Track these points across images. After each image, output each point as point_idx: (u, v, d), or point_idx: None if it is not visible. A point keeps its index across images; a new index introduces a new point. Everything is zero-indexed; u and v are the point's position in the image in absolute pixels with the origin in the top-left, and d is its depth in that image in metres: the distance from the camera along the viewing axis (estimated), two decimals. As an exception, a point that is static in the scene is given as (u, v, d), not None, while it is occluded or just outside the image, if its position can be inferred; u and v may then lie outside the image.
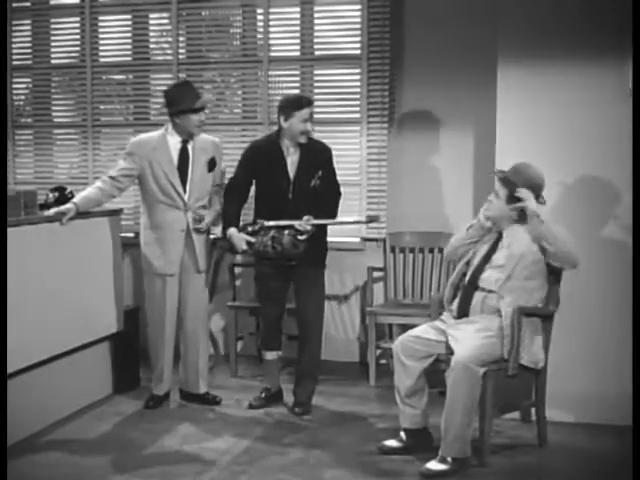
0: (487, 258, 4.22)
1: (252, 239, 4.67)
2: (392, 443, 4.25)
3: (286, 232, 4.62)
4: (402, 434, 4.23)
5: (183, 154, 4.81)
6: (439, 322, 4.24)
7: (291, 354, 5.31)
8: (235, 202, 4.83)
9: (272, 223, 4.66)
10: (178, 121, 4.74)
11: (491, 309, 4.11)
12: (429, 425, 4.22)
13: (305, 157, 4.74)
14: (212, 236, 5.11)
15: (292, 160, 4.73)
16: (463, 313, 4.19)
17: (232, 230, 4.73)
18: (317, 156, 4.79)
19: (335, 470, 4.02)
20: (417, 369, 4.12)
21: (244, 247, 4.69)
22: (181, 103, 4.71)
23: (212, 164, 4.88)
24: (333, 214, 4.80)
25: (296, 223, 4.62)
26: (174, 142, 4.80)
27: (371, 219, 5.05)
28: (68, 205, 4.66)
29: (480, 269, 4.21)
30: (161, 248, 4.84)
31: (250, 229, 4.70)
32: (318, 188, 4.76)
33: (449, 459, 3.92)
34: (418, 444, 4.18)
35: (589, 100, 4.59)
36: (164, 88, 5.05)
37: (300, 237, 4.62)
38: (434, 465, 3.94)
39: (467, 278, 4.27)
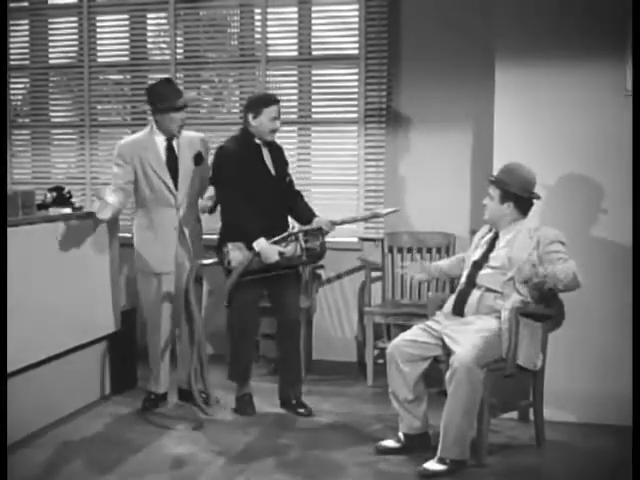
0: (485, 257, 4.22)
1: (283, 249, 4.57)
2: (389, 443, 4.24)
3: (318, 236, 4.63)
4: (400, 435, 4.23)
5: (170, 151, 4.81)
6: (432, 322, 4.22)
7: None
8: (248, 213, 4.60)
9: (305, 228, 4.64)
10: (160, 119, 4.74)
11: (487, 308, 4.10)
12: (429, 428, 4.21)
13: (275, 155, 4.76)
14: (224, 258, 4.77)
15: (267, 157, 4.73)
16: (459, 311, 4.19)
17: (262, 241, 4.52)
18: (282, 154, 4.85)
19: (333, 470, 4.01)
20: (414, 374, 4.11)
21: (277, 258, 4.54)
22: (162, 101, 4.69)
23: (199, 158, 4.87)
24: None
25: (322, 225, 4.65)
26: (160, 140, 4.80)
27: (395, 211, 5.03)
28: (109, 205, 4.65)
29: (479, 266, 4.21)
30: (156, 247, 4.84)
31: (277, 238, 4.57)
32: (290, 185, 4.82)
33: (448, 460, 3.92)
34: (416, 446, 4.18)
35: (587, 100, 4.59)
36: (146, 86, 5.03)
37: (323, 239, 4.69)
38: (432, 465, 3.93)
39: (465, 275, 4.27)
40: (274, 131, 4.68)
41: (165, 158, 4.80)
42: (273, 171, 4.72)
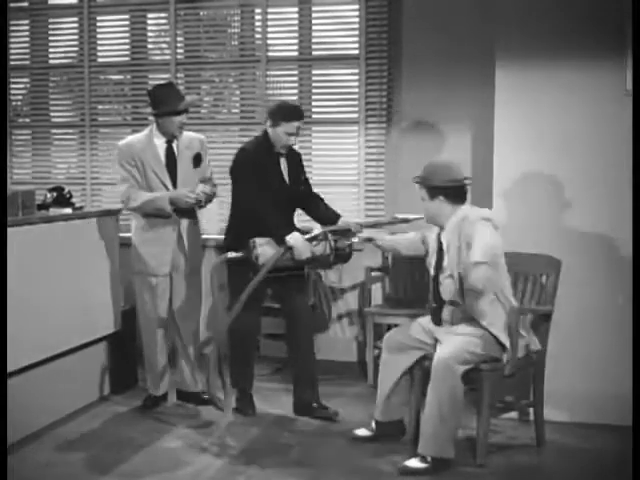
0: (438, 267, 4.17)
1: (313, 247, 4.46)
2: (362, 432, 4.36)
3: (347, 236, 4.57)
4: (372, 423, 4.33)
5: (169, 153, 4.82)
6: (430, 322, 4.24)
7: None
8: (275, 210, 4.50)
9: (335, 227, 4.57)
10: (160, 122, 4.77)
11: (460, 320, 4.09)
12: (404, 416, 4.31)
13: (291, 161, 4.73)
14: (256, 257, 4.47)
15: (283, 165, 4.70)
16: (439, 324, 4.19)
17: (297, 236, 4.40)
18: (299, 160, 4.81)
19: (333, 470, 4.02)
20: (402, 364, 4.18)
21: (309, 255, 4.42)
22: (164, 105, 4.71)
23: (198, 160, 4.88)
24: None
25: (351, 226, 4.58)
26: (160, 142, 4.81)
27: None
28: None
29: (437, 281, 4.17)
30: (154, 248, 4.84)
31: (308, 235, 4.46)
32: (306, 191, 4.78)
33: (429, 458, 3.92)
34: (389, 433, 4.31)
35: (587, 100, 4.59)
36: (148, 88, 5.10)
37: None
38: (412, 463, 3.94)
39: (430, 292, 4.24)
40: (286, 146, 4.62)
41: (164, 160, 4.81)
42: (287, 179, 4.68)
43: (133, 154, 4.78)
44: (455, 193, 4.14)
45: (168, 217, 4.75)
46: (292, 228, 4.47)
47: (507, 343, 4.00)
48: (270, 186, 4.58)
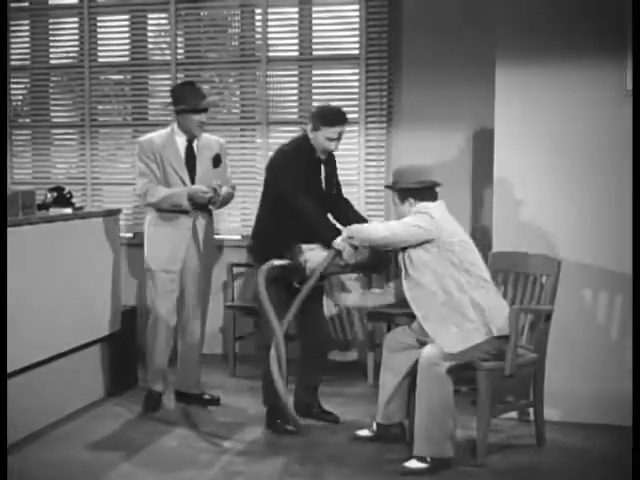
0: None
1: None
2: (364, 432, 4.38)
3: None
4: (374, 425, 4.34)
5: (189, 152, 4.86)
6: None
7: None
8: (322, 211, 4.40)
9: None
10: (181, 120, 4.82)
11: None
12: (405, 419, 4.30)
13: (329, 167, 4.64)
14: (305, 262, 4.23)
15: (322, 170, 4.59)
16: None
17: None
18: (334, 164, 4.72)
19: (333, 470, 4.02)
20: (405, 364, 4.17)
21: (356, 259, 4.23)
22: (185, 102, 4.77)
23: (217, 160, 4.92)
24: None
25: None
26: (181, 140, 4.86)
27: None
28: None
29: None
30: (167, 245, 4.84)
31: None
32: (337, 194, 4.71)
33: (428, 458, 3.92)
34: (390, 435, 4.30)
35: (587, 100, 4.59)
36: (168, 88, 5.14)
37: None
38: (412, 463, 3.94)
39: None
40: (327, 151, 4.49)
41: (184, 157, 4.85)
42: (324, 185, 4.59)
43: (153, 149, 4.81)
44: (423, 194, 4.14)
45: (185, 212, 4.77)
46: (338, 232, 4.28)
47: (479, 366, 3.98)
48: (307, 189, 4.42)
